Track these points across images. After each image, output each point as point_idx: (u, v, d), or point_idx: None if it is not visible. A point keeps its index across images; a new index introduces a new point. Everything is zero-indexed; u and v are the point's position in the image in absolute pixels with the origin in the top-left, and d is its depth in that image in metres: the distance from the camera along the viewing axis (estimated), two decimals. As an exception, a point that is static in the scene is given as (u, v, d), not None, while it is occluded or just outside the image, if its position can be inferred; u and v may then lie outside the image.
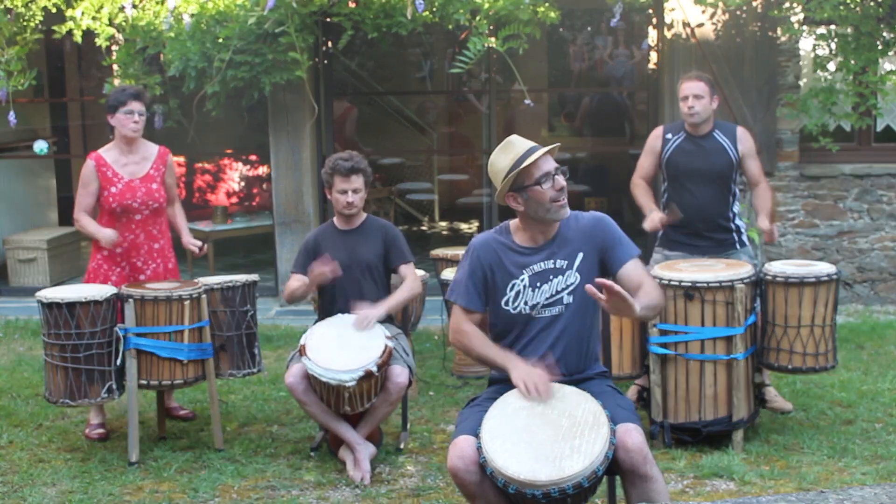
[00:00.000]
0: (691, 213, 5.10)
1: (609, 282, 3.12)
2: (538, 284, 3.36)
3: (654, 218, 5.10)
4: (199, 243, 5.15)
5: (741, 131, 5.20)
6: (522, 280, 3.36)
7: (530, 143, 3.35)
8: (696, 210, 5.09)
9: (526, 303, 3.36)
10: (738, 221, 5.20)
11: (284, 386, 4.59)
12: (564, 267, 3.36)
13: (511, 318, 3.38)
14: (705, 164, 5.08)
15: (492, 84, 8.30)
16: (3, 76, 7.16)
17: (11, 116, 7.14)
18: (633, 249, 3.42)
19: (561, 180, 3.30)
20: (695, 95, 5.03)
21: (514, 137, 3.38)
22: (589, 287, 3.14)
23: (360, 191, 4.64)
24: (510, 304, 3.37)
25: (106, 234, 4.84)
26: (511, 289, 3.37)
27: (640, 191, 5.26)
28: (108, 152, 4.98)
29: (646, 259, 5.37)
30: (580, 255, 3.37)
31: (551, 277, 3.36)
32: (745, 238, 5.24)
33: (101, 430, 4.93)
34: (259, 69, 6.82)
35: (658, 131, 5.29)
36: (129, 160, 4.97)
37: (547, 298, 3.35)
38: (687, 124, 5.12)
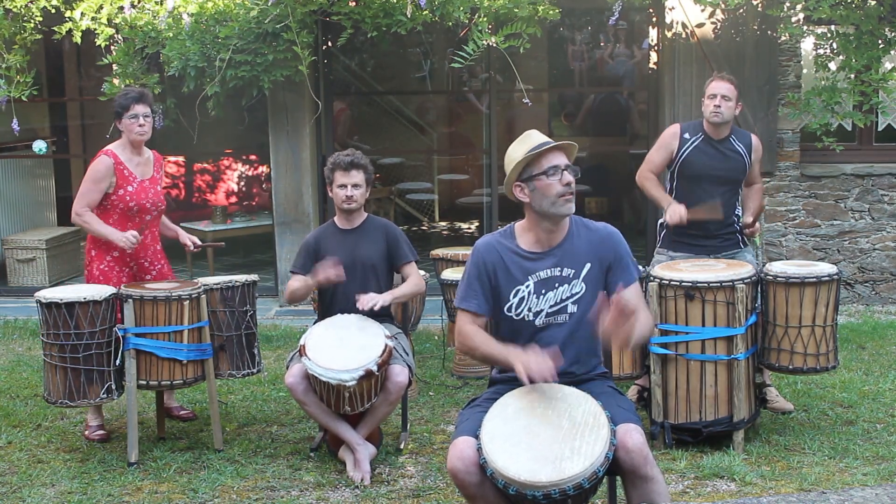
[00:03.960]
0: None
1: (625, 304, 3.08)
2: (543, 292, 3.33)
3: (677, 210, 4.96)
4: (196, 239, 5.18)
5: (755, 140, 5.18)
6: (527, 286, 3.34)
7: (547, 138, 3.36)
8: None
9: (530, 309, 3.33)
10: (741, 223, 5.19)
11: (284, 386, 4.58)
12: (571, 276, 3.34)
13: (514, 325, 3.36)
14: (723, 168, 5.05)
15: (492, 84, 8.29)
16: (4, 83, 7.16)
17: (14, 124, 7.14)
18: (636, 273, 3.42)
19: (568, 176, 3.29)
20: (723, 96, 4.99)
21: (533, 131, 3.40)
22: (602, 297, 3.14)
23: (359, 186, 4.64)
24: (513, 310, 3.35)
25: (124, 236, 4.78)
26: (515, 295, 3.35)
27: (652, 183, 5.17)
28: (119, 150, 4.97)
29: (647, 258, 5.37)
30: (588, 266, 3.35)
31: (557, 285, 3.34)
32: (747, 238, 5.23)
33: (101, 432, 4.92)
34: (259, 69, 6.81)
35: (675, 129, 5.19)
36: (138, 161, 4.99)
37: (551, 306, 3.33)
38: (706, 124, 5.07)
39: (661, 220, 5.27)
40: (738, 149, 5.08)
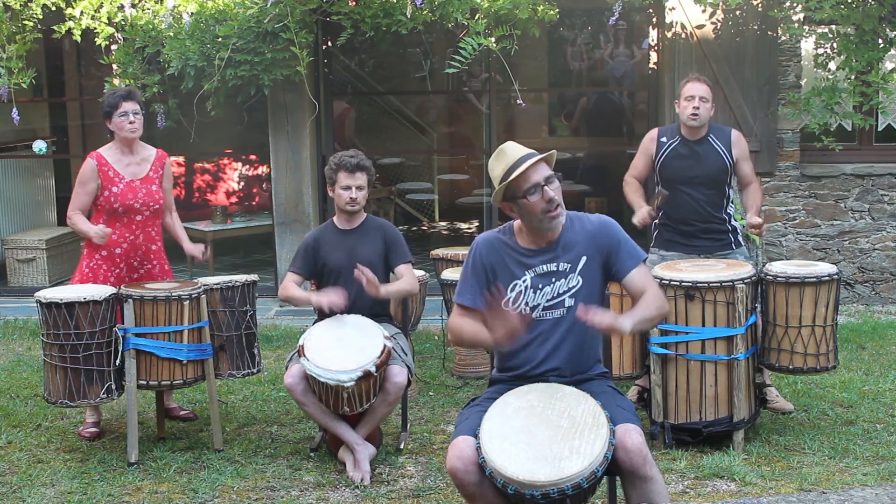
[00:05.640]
0: (686, 216, 5.09)
1: (590, 315, 3.10)
2: (540, 286, 3.34)
3: (641, 212, 5.09)
4: (202, 247, 5.14)
5: (735, 135, 5.16)
6: (524, 281, 3.34)
7: (523, 152, 3.29)
8: (691, 212, 5.08)
9: (526, 303, 3.34)
10: (733, 223, 5.19)
11: (284, 386, 4.57)
12: (567, 270, 3.34)
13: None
14: (700, 169, 5.06)
15: (492, 84, 8.29)
16: (4, 73, 7.16)
17: (14, 113, 7.14)
18: (639, 254, 3.39)
19: (549, 191, 3.24)
20: (701, 97, 4.99)
21: (508, 145, 3.34)
22: (580, 311, 3.14)
23: (363, 188, 4.64)
24: (510, 304, 3.35)
25: (97, 230, 4.80)
26: (512, 289, 3.35)
27: (631, 188, 5.26)
28: (108, 152, 4.98)
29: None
30: (583, 259, 3.34)
31: (553, 280, 3.34)
32: (741, 238, 5.23)
33: (93, 430, 4.93)
34: (259, 68, 6.82)
35: (653, 134, 5.25)
36: (130, 161, 4.97)
37: (548, 300, 3.33)
38: (683, 127, 5.09)
39: (654, 221, 5.27)
40: (716, 148, 5.08)
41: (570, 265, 3.34)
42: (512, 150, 3.30)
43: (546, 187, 3.24)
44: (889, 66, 7.36)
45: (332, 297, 4.49)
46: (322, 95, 7.57)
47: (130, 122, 4.88)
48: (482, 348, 3.48)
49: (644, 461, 3.06)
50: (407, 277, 4.69)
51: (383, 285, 4.59)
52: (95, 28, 7.06)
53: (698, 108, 4.99)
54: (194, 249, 5.12)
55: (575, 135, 11.28)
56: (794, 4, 6.90)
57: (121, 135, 4.92)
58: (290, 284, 4.67)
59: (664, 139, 5.15)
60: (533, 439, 3.05)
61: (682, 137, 5.10)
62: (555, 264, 3.34)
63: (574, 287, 3.33)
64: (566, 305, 3.33)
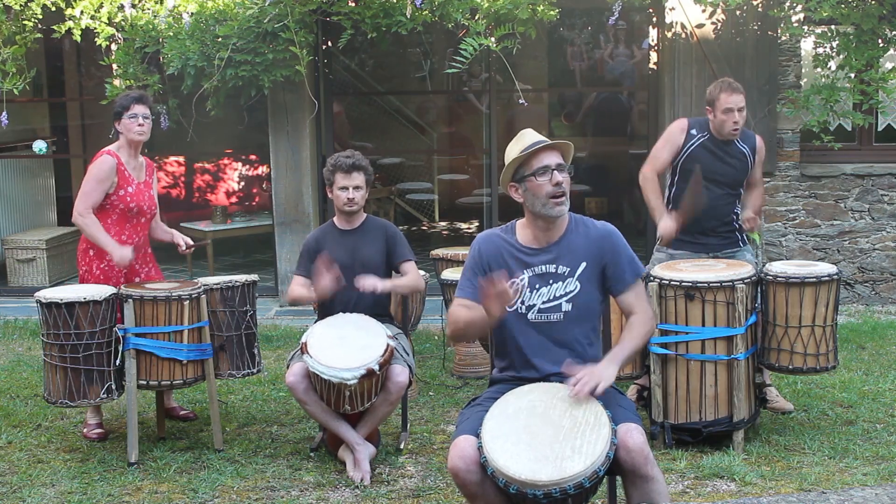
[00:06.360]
0: (705, 213, 5.06)
1: (577, 388, 3.15)
2: (537, 286, 3.34)
3: (669, 227, 4.95)
4: (189, 241, 5.16)
5: (759, 141, 5.15)
6: (522, 280, 3.35)
7: (541, 137, 3.35)
8: (709, 210, 5.04)
9: (523, 302, 3.34)
10: (741, 221, 5.19)
11: (284, 386, 4.58)
12: (566, 274, 3.34)
13: (507, 316, 3.35)
14: (726, 168, 5.03)
15: (492, 84, 8.28)
16: None
17: (3, 117, 7.13)
18: (638, 269, 3.40)
19: (558, 176, 3.28)
20: (739, 109, 4.93)
21: (528, 131, 3.40)
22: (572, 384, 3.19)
23: (360, 188, 4.65)
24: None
25: (123, 252, 4.76)
26: (510, 286, 3.35)
27: (652, 186, 5.10)
28: (120, 152, 4.97)
29: (647, 258, 5.37)
30: (583, 265, 3.35)
31: (551, 281, 3.34)
32: (747, 235, 5.23)
33: (99, 430, 4.92)
34: (259, 68, 6.82)
35: (683, 124, 5.12)
36: (135, 164, 4.99)
37: (544, 302, 3.33)
38: (721, 134, 5.00)
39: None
40: (742, 150, 5.06)
41: (569, 269, 3.34)
42: (532, 135, 3.37)
43: (556, 172, 3.28)
44: (889, 65, 7.37)
45: (326, 278, 4.45)
46: (322, 95, 7.58)
47: (139, 125, 4.89)
48: (478, 332, 3.46)
49: (645, 461, 3.06)
50: (412, 274, 4.70)
51: (390, 280, 4.60)
52: (95, 28, 7.06)
53: (738, 121, 4.94)
54: (185, 239, 5.12)
55: (576, 134, 11.28)
56: (794, 4, 6.90)
57: (128, 136, 4.92)
58: (296, 287, 4.67)
59: (694, 131, 5.06)
60: (534, 439, 3.05)
61: (712, 135, 5.04)
62: (554, 266, 3.35)
63: (572, 292, 3.33)
64: (563, 310, 3.34)
